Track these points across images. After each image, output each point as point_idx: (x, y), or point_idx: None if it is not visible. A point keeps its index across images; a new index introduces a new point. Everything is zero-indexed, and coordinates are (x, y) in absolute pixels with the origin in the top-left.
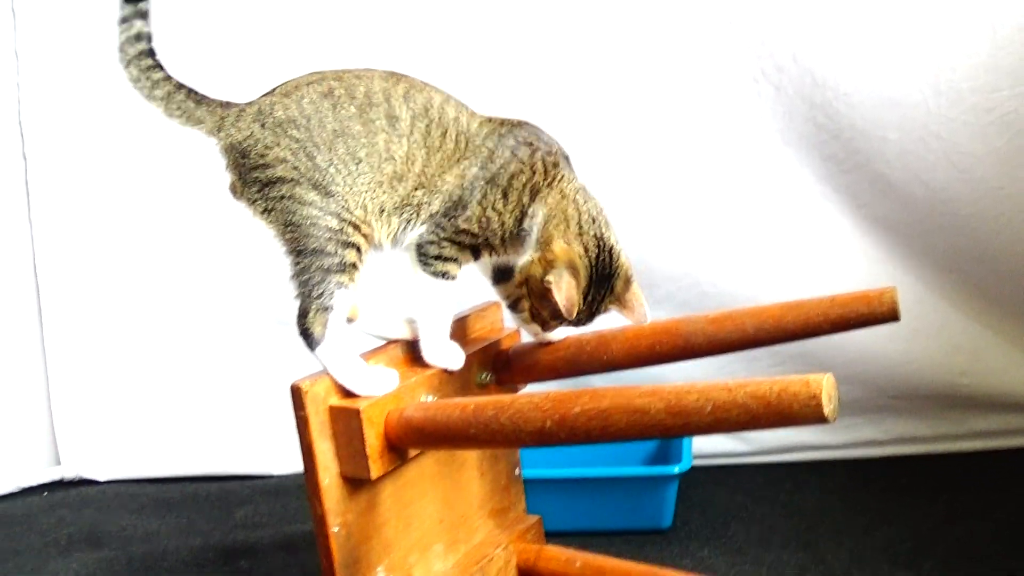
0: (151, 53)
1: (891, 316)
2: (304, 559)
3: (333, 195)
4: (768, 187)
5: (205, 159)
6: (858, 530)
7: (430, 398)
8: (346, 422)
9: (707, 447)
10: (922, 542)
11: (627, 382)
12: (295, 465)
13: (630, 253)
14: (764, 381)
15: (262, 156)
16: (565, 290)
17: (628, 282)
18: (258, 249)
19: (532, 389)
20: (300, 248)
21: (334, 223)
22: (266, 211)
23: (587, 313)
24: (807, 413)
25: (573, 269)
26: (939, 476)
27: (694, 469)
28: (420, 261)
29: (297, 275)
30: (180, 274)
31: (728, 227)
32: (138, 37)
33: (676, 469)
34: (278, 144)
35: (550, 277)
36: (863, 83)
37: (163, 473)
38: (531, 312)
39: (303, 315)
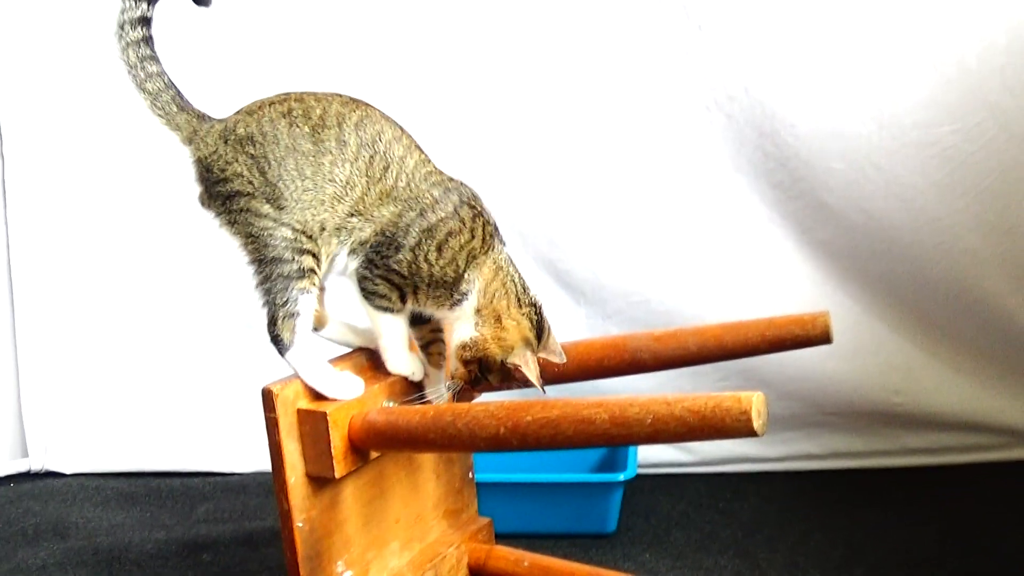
0: (150, 41)
1: (824, 339)
2: (264, 554)
3: (284, 208)
4: (718, 211)
5: (178, 159)
6: (793, 538)
7: (391, 404)
8: (313, 424)
9: (652, 457)
10: (853, 551)
11: (578, 394)
12: (256, 464)
13: (585, 270)
14: (700, 396)
15: (223, 171)
16: (534, 368)
17: (550, 331)
18: (225, 254)
19: (488, 399)
20: (260, 257)
21: (288, 233)
22: (229, 223)
23: None
24: (738, 427)
25: (529, 345)
26: (872, 490)
27: (640, 477)
28: (361, 294)
29: (261, 283)
30: (151, 273)
31: (678, 248)
32: (142, 21)
33: (621, 476)
34: (236, 160)
35: (517, 360)
36: (810, 115)
37: (128, 468)
38: (473, 376)
39: (272, 322)
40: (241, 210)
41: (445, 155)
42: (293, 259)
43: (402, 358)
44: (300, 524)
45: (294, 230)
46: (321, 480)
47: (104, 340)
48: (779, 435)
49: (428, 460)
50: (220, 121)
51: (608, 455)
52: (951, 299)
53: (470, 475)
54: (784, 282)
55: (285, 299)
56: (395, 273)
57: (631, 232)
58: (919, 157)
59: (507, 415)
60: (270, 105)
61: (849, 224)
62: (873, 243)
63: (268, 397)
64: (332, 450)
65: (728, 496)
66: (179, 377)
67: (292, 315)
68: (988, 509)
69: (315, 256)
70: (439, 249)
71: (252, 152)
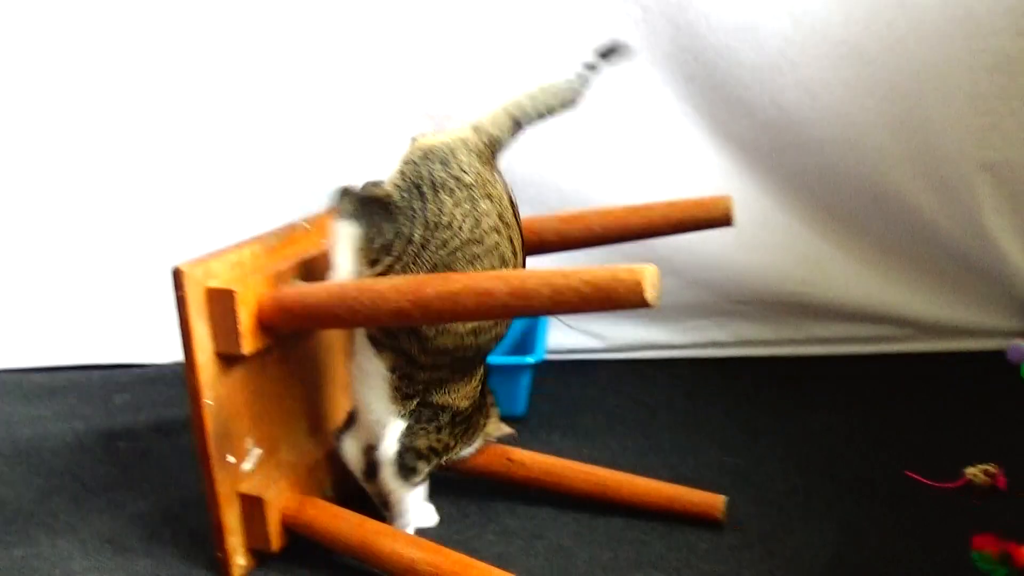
0: None
1: (725, 221)
2: (178, 440)
3: None
4: (631, 103)
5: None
6: (697, 422)
7: (299, 282)
8: (222, 303)
9: (563, 343)
10: (756, 435)
11: None
12: (174, 355)
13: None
14: (596, 269)
15: None
16: None
17: None
18: (140, 151)
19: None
20: None
21: None
22: None
23: None
24: (632, 298)
25: None
26: (779, 378)
27: (551, 364)
28: None
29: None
30: (64, 166)
31: (593, 139)
32: None
33: (531, 359)
34: None
35: None
36: (725, 8)
37: (49, 363)
38: None
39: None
40: None
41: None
42: None
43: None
44: (209, 402)
45: None
46: (230, 358)
47: (19, 236)
48: (688, 323)
49: (339, 341)
50: None
51: (520, 340)
52: (859, 194)
53: None
54: (696, 174)
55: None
56: None
57: (545, 122)
58: (831, 54)
59: (410, 289)
60: None
61: (761, 118)
62: (784, 137)
63: (178, 276)
64: (240, 328)
65: (637, 382)
66: (98, 271)
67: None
68: (890, 399)
69: None
70: None
71: None
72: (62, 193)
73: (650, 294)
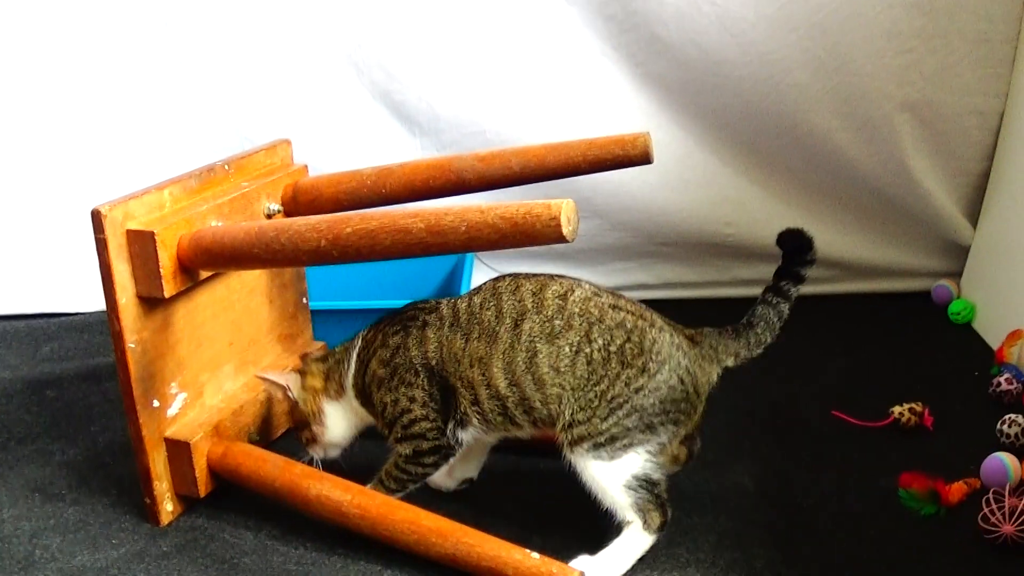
0: None
1: (644, 159)
2: (106, 388)
3: None
4: (551, 44)
5: None
6: None
7: (219, 225)
8: (142, 244)
9: None
10: None
11: None
12: (100, 303)
13: (420, 101)
14: (512, 204)
15: None
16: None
17: None
18: (64, 89)
19: None
20: None
21: None
22: None
23: None
24: (548, 232)
25: None
26: (704, 320)
27: None
28: None
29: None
30: None
31: (513, 80)
32: None
33: None
34: None
35: None
36: None
37: None
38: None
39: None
40: None
41: None
42: None
43: None
44: (132, 345)
45: None
46: (152, 301)
47: None
48: (612, 265)
49: (261, 284)
50: None
51: (447, 280)
52: (782, 133)
53: (304, 300)
54: (617, 114)
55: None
56: None
57: (466, 63)
58: None
59: (328, 228)
60: None
61: (682, 58)
62: (705, 77)
63: (97, 218)
64: (161, 270)
65: None
66: (21, 220)
67: None
68: (817, 340)
69: None
70: None
71: None
72: None
73: (567, 228)
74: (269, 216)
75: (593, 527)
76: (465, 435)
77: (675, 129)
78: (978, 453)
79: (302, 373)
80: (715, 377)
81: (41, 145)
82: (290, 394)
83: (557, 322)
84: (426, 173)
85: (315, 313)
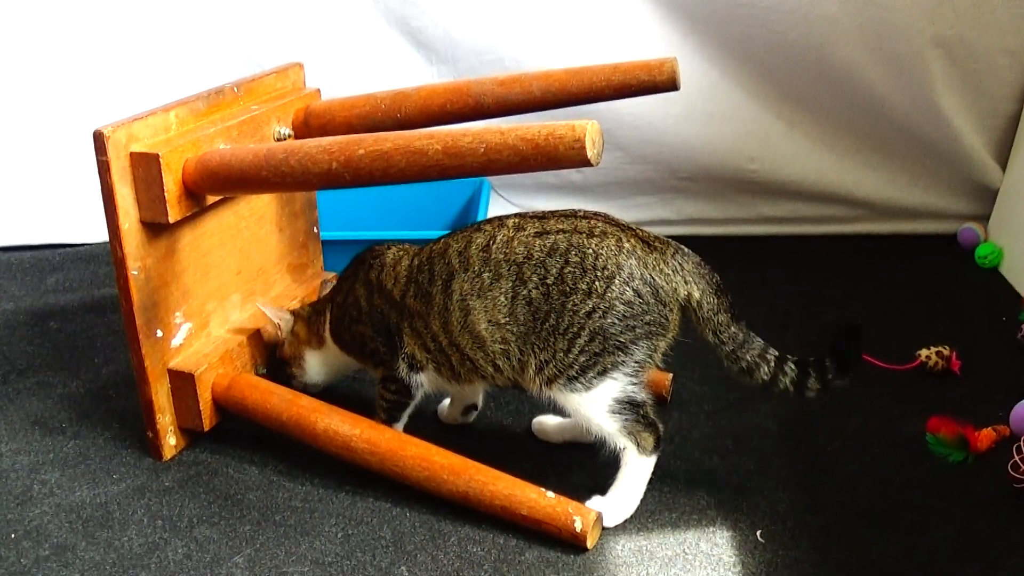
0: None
1: (670, 85)
2: (111, 319)
3: None
4: None
5: None
6: None
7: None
8: (146, 167)
9: None
10: None
11: None
12: (106, 234)
13: (437, 27)
14: (534, 126)
15: None
16: None
17: None
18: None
19: None
20: None
21: None
22: None
23: None
24: (572, 155)
25: None
26: (726, 257)
27: None
28: None
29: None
30: None
31: (533, 7)
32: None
33: None
34: None
35: None
36: None
37: None
38: None
39: None
40: None
41: None
42: None
43: None
44: (135, 272)
45: None
46: (156, 227)
47: None
48: (633, 200)
49: (271, 212)
50: None
51: (461, 214)
52: (809, 67)
53: (315, 229)
54: (640, 45)
55: None
56: None
57: None
58: None
59: (340, 149)
60: None
61: None
62: (731, 7)
63: (99, 140)
64: (166, 194)
65: None
66: (24, 148)
67: None
68: (841, 281)
69: None
70: None
71: None
72: None
73: (592, 152)
74: (279, 140)
75: (608, 465)
76: (423, 378)
77: (699, 60)
78: (1006, 400)
79: (296, 316)
80: (682, 290)
81: (46, 71)
82: (280, 333)
83: (486, 275)
84: (443, 97)
85: (326, 243)
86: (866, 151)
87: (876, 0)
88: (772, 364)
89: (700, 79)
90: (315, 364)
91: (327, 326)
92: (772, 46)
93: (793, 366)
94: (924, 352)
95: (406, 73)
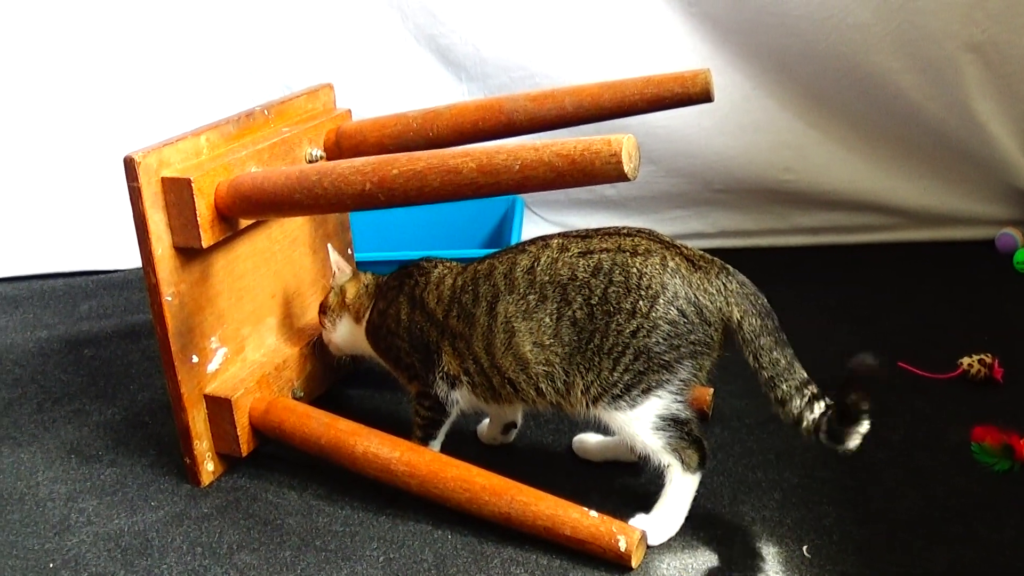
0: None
1: (704, 97)
2: (145, 345)
3: None
4: None
5: None
6: None
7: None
8: (178, 192)
9: None
10: None
11: None
12: (139, 260)
13: (466, 44)
14: (569, 141)
15: None
16: None
17: None
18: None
19: None
20: None
21: None
22: None
23: None
24: (608, 170)
25: None
26: (761, 269)
27: None
28: None
29: None
30: (28, 76)
31: (562, 22)
32: None
33: None
34: None
35: None
36: None
37: (10, 272)
38: None
39: None
40: None
41: None
42: None
43: None
44: (169, 298)
45: None
46: (189, 252)
47: None
48: (667, 213)
49: (304, 234)
50: None
51: (495, 232)
52: (842, 75)
53: (348, 251)
54: (670, 57)
55: None
56: None
57: (513, 5)
58: None
59: (373, 170)
60: None
61: None
62: (762, 17)
63: (130, 165)
64: (199, 218)
65: None
66: (58, 178)
67: None
68: (879, 290)
69: None
70: None
71: None
72: (17, 102)
73: (628, 166)
74: (311, 162)
75: (651, 483)
76: (458, 395)
77: (731, 72)
78: None
79: (355, 277)
80: (725, 310)
81: (76, 98)
82: (332, 281)
83: (531, 297)
84: (475, 115)
85: (360, 264)
86: (901, 158)
87: (908, 6)
88: (805, 400)
89: (732, 90)
90: (345, 332)
91: (367, 316)
92: (804, 55)
93: (822, 407)
94: (966, 360)
95: (436, 91)
